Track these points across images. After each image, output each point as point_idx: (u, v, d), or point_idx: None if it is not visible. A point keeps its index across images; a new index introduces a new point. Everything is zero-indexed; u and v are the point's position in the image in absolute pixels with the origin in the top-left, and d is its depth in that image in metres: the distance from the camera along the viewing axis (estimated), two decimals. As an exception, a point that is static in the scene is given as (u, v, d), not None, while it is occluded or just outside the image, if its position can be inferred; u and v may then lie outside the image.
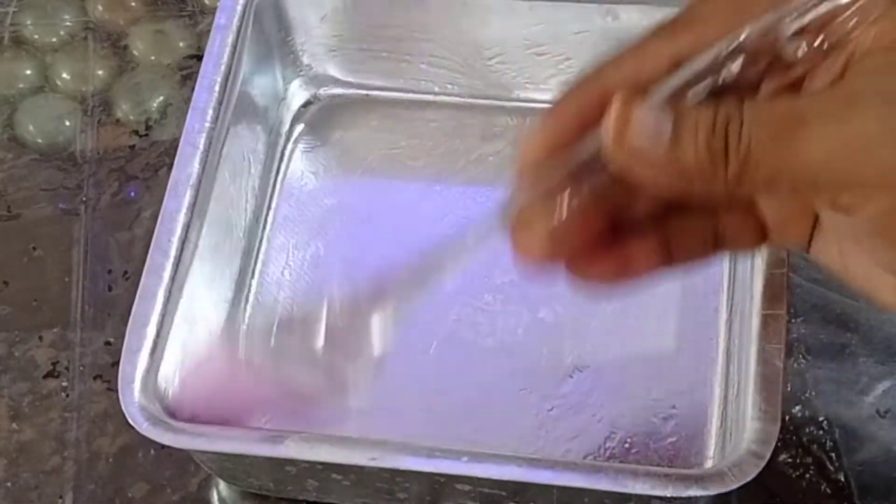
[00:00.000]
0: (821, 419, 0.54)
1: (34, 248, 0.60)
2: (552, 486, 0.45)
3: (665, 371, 0.53)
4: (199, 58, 0.65)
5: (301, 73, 0.62)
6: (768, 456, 0.44)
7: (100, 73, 0.65)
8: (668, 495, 0.44)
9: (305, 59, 0.61)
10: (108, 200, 0.61)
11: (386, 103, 0.62)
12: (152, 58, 0.66)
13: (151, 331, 0.49)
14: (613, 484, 0.44)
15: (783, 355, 0.46)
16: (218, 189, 0.54)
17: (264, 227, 0.58)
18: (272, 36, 0.59)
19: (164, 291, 0.50)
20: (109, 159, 0.62)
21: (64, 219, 0.60)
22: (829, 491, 0.52)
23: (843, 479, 0.52)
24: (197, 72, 0.64)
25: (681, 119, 0.33)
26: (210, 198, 0.53)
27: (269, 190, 0.59)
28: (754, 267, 0.49)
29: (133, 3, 0.68)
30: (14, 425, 0.55)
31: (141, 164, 0.62)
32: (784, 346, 0.46)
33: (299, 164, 0.60)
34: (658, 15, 0.56)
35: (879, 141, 0.31)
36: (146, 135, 0.63)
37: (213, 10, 0.67)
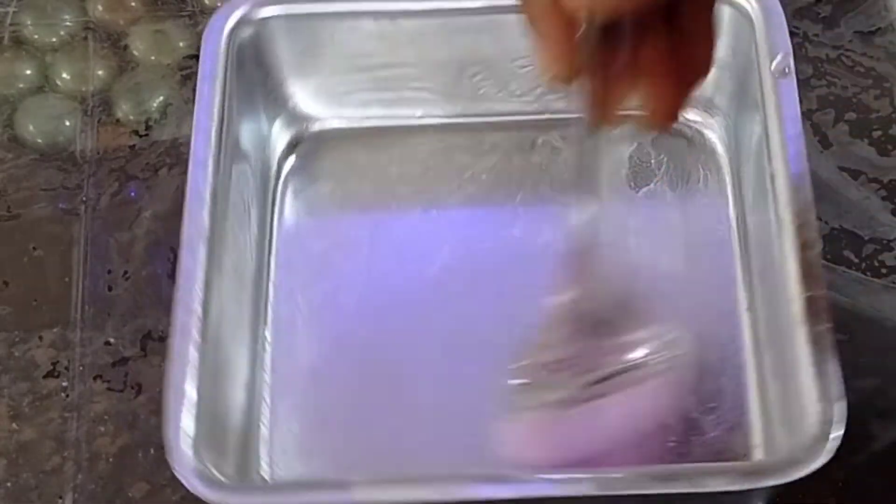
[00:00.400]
0: (821, 419, 0.54)
1: (34, 248, 0.60)
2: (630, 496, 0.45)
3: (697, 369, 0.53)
4: (199, 58, 0.65)
5: (284, 112, 0.61)
6: (840, 435, 0.45)
7: (100, 73, 0.65)
8: (747, 488, 0.44)
9: (287, 97, 0.60)
10: (108, 200, 0.61)
11: (372, 133, 0.61)
12: (152, 58, 0.66)
13: (191, 392, 0.48)
14: (692, 485, 0.44)
15: (832, 335, 0.46)
16: (230, 240, 0.53)
17: (268, 273, 0.58)
18: (255, 76, 0.58)
19: (196, 351, 0.49)
20: (109, 159, 0.62)
21: (64, 219, 0.60)
22: (829, 491, 0.52)
23: (843, 479, 0.52)
24: (197, 72, 0.64)
25: None
26: (224, 250, 0.52)
27: (268, 234, 0.59)
28: (783, 252, 0.49)
29: (133, 3, 0.68)
30: (14, 425, 0.55)
31: (141, 164, 0.62)
32: (832, 325, 0.46)
33: (293, 205, 0.60)
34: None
35: None
36: (146, 135, 0.63)
37: (213, 10, 0.67)
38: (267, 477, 0.53)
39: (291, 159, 0.61)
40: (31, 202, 0.61)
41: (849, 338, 0.55)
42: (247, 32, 0.57)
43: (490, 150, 0.60)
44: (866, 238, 0.58)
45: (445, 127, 0.61)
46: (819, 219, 0.58)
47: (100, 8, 0.68)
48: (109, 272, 0.59)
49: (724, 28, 0.55)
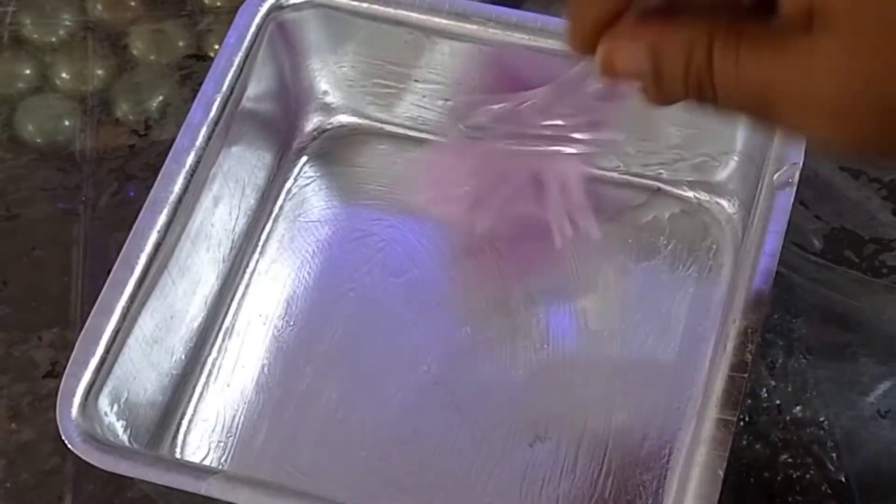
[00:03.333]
0: (821, 419, 0.54)
1: (34, 248, 0.60)
2: None
3: (625, 455, 0.52)
4: (199, 57, 0.65)
5: (315, 101, 0.61)
6: None
7: (99, 72, 0.65)
8: None
9: (321, 86, 0.60)
10: (108, 200, 0.61)
11: (397, 138, 0.61)
12: (152, 57, 0.66)
13: (101, 347, 0.48)
14: None
15: (725, 465, 0.45)
16: (200, 210, 0.53)
17: (252, 251, 0.58)
18: (286, 60, 0.58)
19: (122, 308, 0.49)
20: (109, 159, 0.62)
21: (64, 219, 0.60)
22: (829, 491, 0.52)
23: (843, 479, 0.52)
24: (196, 72, 0.64)
25: (658, 60, 0.34)
26: (189, 218, 0.52)
27: (265, 213, 0.59)
28: (716, 367, 0.48)
29: (133, 3, 0.68)
30: (14, 425, 0.55)
31: (140, 164, 0.62)
32: (728, 454, 0.45)
33: (301, 190, 0.60)
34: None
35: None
36: (146, 134, 0.63)
37: (212, 10, 0.67)
38: (178, 454, 0.53)
39: (313, 149, 0.61)
40: (30, 202, 0.61)
41: (850, 338, 0.55)
42: (283, 16, 0.56)
43: None
44: (867, 238, 0.58)
45: None
46: (818, 217, 0.59)
47: (99, 7, 0.68)
48: (109, 272, 0.59)
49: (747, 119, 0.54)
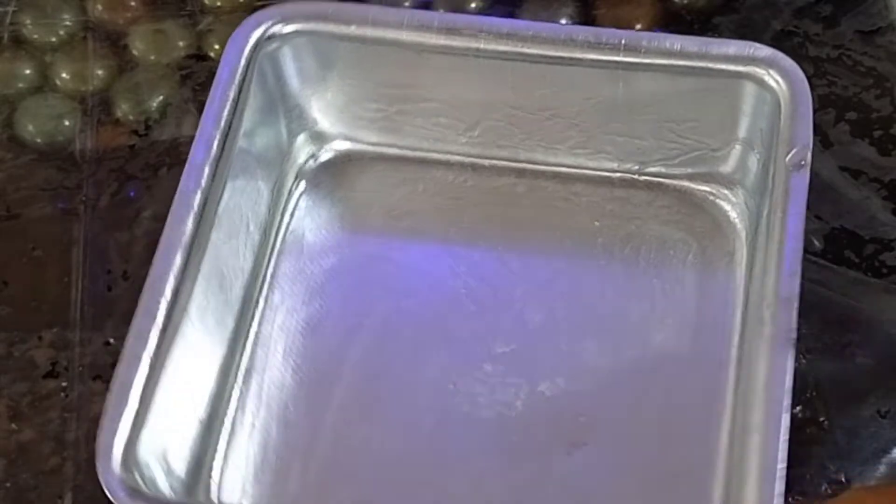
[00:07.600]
0: (821, 419, 0.54)
1: (34, 248, 0.60)
2: None
3: (665, 453, 0.52)
4: (199, 57, 0.65)
5: (306, 130, 0.60)
6: None
7: (99, 72, 0.65)
8: None
9: (312, 114, 0.60)
10: (108, 200, 0.61)
11: (393, 160, 0.60)
12: (152, 58, 0.66)
13: (135, 399, 0.47)
14: None
15: (784, 448, 0.45)
16: (211, 250, 0.52)
17: (261, 287, 0.57)
18: (276, 91, 0.58)
19: (150, 358, 0.48)
20: (109, 159, 0.62)
21: (64, 219, 0.60)
22: (829, 491, 0.52)
23: (843, 480, 0.52)
24: (196, 72, 0.64)
25: None
26: (202, 259, 0.52)
27: (269, 247, 0.58)
28: (762, 354, 0.48)
29: (133, 3, 0.68)
30: (14, 425, 0.55)
31: (141, 164, 0.62)
32: (787, 441, 0.46)
33: (302, 221, 0.59)
34: (667, 82, 0.54)
35: None
36: (146, 134, 0.63)
37: (212, 10, 0.67)
38: (215, 499, 0.52)
39: (310, 178, 0.60)
40: (30, 202, 0.61)
41: (850, 338, 0.55)
42: (271, 46, 0.56)
43: (506, 195, 0.59)
44: (867, 238, 0.58)
45: (467, 165, 0.60)
46: (818, 217, 0.59)
47: (99, 7, 0.68)
48: (109, 272, 0.59)
49: (749, 107, 0.55)
